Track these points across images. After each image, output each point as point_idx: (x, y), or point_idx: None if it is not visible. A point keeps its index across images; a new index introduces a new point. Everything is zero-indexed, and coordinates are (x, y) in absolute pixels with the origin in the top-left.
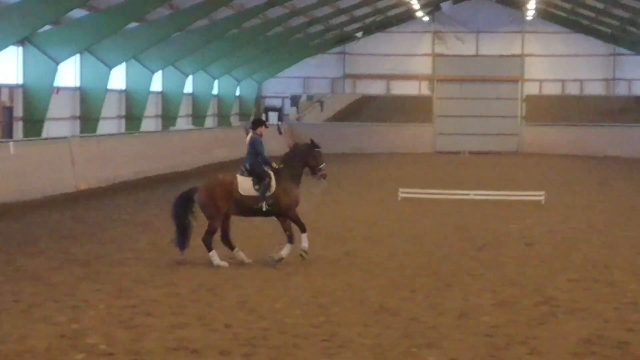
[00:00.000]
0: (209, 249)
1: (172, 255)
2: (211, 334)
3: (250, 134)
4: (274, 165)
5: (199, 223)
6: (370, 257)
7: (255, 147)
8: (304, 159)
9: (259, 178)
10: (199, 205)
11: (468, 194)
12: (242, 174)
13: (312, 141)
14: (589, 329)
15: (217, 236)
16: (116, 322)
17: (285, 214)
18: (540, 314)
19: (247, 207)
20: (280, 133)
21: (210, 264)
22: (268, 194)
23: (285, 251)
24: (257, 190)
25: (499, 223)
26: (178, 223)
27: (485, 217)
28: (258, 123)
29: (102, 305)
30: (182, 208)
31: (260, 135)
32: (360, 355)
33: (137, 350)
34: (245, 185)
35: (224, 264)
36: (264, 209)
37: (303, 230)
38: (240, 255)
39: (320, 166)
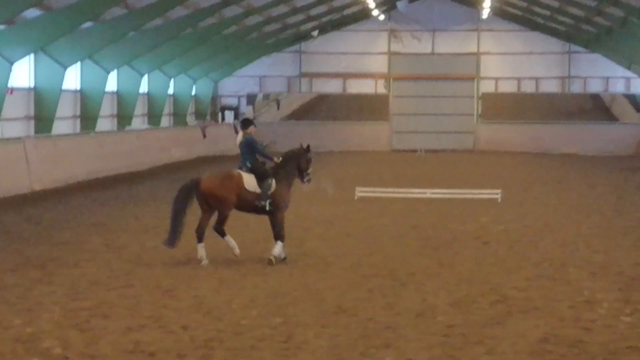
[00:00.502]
0: (222, 235)
1: (127, 256)
2: (167, 336)
3: (241, 134)
4: (276, 159)
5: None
6: (326, 257)
7: (252, 147)
8: (298, 162)
9: (260, 177)
10: (207, 195)
11: (425, 193)
12: (243, 171)
13: (308, 146)
14: (545, 327)
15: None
16: (71, 324)
17: (275, 214)
18: (496, 313)
19: (248, 203)
20: (236, 132)
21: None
22: (269, 192)
23: (278, 249)
24: (260, 188)
25: (455, 221)
26: (177, 216)
27: (442, 216)
28: (248, 123)
29: (57, 308)
30: (184, 201)
31: (251, 135)
32: (318, 356)
33: (93, 354)
34: (250, 181)
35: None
36: (267, 208)
37: (282, 238)
38: (232, 242)
39: (308, 170)
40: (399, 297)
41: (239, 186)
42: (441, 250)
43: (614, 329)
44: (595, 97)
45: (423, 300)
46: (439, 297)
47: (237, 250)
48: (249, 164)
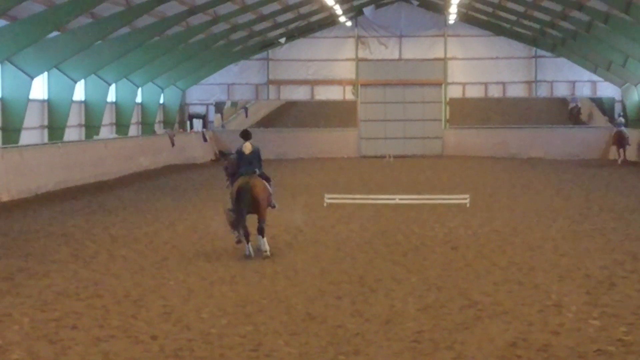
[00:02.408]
0: (263, 236)
1: (95, 266)
2: (136, 346)
3: (249, 144)
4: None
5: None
6: (295, 264)
7: (260, 155)
8: None
9: (269, 182)
10: (258, 199)
11: (393, 199)
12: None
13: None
14: (514, 332)
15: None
16: (40, 336)
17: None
18: (465, 318)
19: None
20: (205, 140)
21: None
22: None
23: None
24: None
25: (424, 227)
26: (244, 217)
27: (410, 221)
28: (249, 133)
29: (26, 319)
30: (245, 203)
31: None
32: None
33: None
34: (268, 186)
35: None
36: (275, 207)
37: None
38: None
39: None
40: (368, 304)
41: (269, 191)
42: (410, 255)
43: (582, 332)
44: (562, 101)
45: (392, 307)
46: (407, 302)
47: (267, 248)
48: (258, 171)
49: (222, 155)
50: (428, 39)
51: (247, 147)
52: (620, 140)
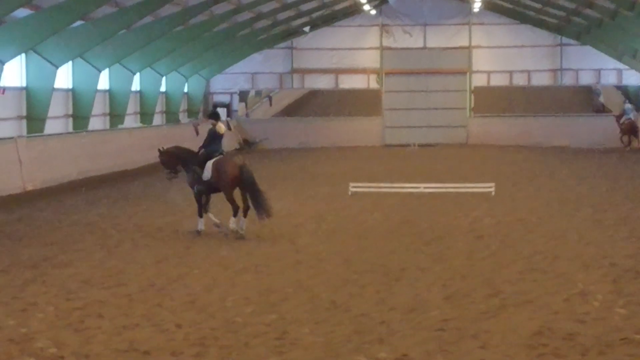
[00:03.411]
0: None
1: (120, 255)
2: (161, 334)
3: (221, 124)
4: None
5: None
6: (319, 253)
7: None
8: None
9: None
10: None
11: (418, 187)
12: None
13: None
14: (539, 320)
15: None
16: (65, 324)
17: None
18: (490, 307)
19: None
20: (229, 129)
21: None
22: None
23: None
24: None
25: (448, 216)
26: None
27: (435, 210)
28: (219, 115)
29: (51, 308)
30: None
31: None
32: (312, 352)
33: (87, 353)
34: None
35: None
36: None
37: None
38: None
39: None
40: (392, 293)
41: None
42: (434, 244)
43: (608, 321)
44: (588, 90)
45: (416, 295)
46: (432, 291)
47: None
48: (222, 152)
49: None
50: (452, 27)
51: (221, 128)
52: (634, 129)
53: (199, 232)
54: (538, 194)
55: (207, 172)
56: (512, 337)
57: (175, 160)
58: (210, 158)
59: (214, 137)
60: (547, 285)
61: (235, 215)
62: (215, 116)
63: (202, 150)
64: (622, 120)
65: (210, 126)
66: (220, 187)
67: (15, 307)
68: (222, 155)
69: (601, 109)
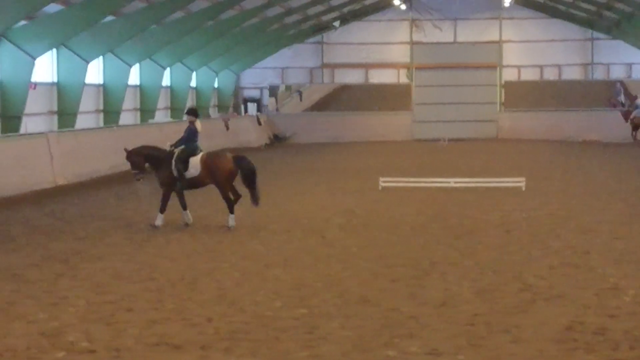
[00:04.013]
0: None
1: (150, 249)
2: (191, 328)
3: (199, 122)
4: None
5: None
6: (349, 247)
7: None
8: None
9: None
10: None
11: (448, 182)
12: None
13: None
14: (570, 315)
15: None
16: (96, 318)
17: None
18: (520, 302)
19: None
20: (259, 124)
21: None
22: None
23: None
24: None
25: (478, 210)
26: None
27: (465, 205)
28: (197, 111)
29: (82, 302)
30: None
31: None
32: (342, 347)
33: (118, 347)
34: None
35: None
36: None
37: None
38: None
39: None
40: (423, 287)
41: None
42: (464, 239)
43: (639, 315)
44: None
45: (446, 290)
46: (462, 286)
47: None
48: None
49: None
50: (483, 21)
51: (199, 125)
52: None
53: (155, 227)
54: (569, 189)
55: (194, 169)
56: (542, 332)
57: (144, 160)
58: (193, 155)
59: (193, 134)
60: (578, 279)
61: (232, 211)
62: (193, 113)
63: (182, 147)
64: (632, 116)
65: (188, 123)
66: (216, 184)
67: (46, 300)
68: (207, 152)
69: (619, 106)
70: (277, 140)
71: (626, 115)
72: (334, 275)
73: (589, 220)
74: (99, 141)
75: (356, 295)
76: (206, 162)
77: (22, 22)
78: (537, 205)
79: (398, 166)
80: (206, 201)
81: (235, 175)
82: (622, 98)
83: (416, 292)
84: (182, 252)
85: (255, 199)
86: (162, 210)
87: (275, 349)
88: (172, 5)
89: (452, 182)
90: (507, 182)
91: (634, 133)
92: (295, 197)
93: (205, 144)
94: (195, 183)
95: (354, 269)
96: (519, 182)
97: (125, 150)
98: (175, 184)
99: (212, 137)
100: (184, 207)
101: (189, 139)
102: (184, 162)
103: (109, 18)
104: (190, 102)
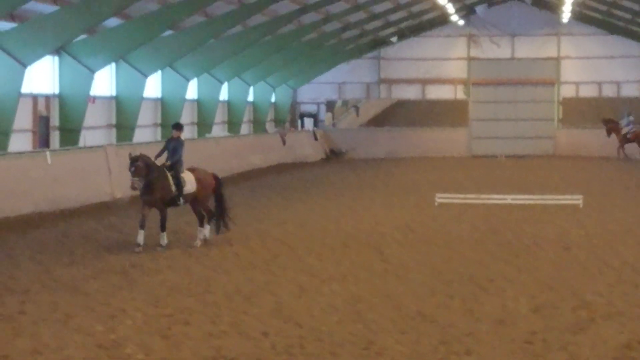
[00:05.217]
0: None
1: (207, 262)
2: (248, 342)
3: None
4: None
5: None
6: (405, 262)
7: None
8: None
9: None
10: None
11: (505, 199)
12: None
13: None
14: (628, 333)
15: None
16: (153, 331)
17: None
18: (578, 319)
19: None
20: (315, 139)
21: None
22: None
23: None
24: None
25: (535, 227)
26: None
27: (522, 221)
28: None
29: (139, 315)
30: None
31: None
32: None
33: None
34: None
35: None
36: None
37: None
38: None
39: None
40: (479, 303)
41: None
42: (521, 255)
43: None
44: None
45: (504, 306)
46: (519, 302)
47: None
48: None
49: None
50: (541, 37)
51: (183, 138)
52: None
53: (163, 247)
54: (627, 206)
55: (191, 185)
56: (600, 350)
57: (147, 169)
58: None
59: (181, 148)
60: (637, 297)
61: (209, 222)
62: (179, 127)
63: (177, 161)
64: (625, 132)
65: (173, 137)
66: (202, 198)
67: (104, 313)
68: (194, 168)
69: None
70: (333, 155)
71: (614, 130)
72: (390, 290)
73: None
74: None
75: (412, 310)
76: (199, 178)
77: (82, 36)
78: (595, 222)
79: (454, 182)
80: (264, 215)
81: (213, 192)
82: (624, 122)
83: (473, 308)
84: (238, 266)
85: (225, 224)
86: (163, 229)
87: None
88: (230, 20)
89: (509, 198)
90: (565, 199)
91: (621, 150)
92: (351, 212)
93: (262, 158)
94: (191, 199)
95: (410, 284)
96: (577, 199)
97: (131, 155)
98: (174, 201)
99: (269, 151)
100: (142, 226)
101: (178, 153)
102: (177, 177)
103: (168, 32)
104: (247, 117)
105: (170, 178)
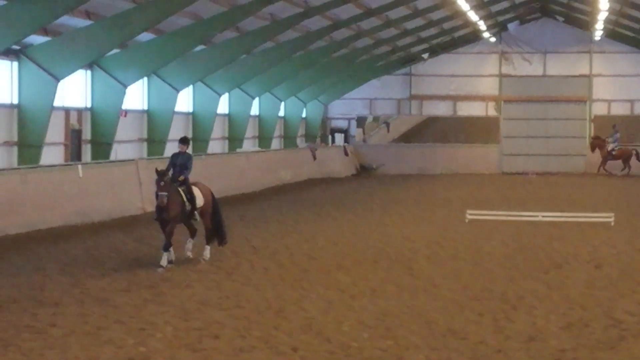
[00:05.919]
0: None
1: (237, 277)
2: (277, 357)
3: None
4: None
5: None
6: (435, 278)
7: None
8: None
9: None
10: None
11: (536, 216)
12: None
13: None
14: None
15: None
16: (182, 345)
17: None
18: (609, 338)
19: None
20: (346, 154)
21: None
22: None
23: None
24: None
25: (566, 245)
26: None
27: (553, 239)
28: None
29: (169, 328)
30: None
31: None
32: None
33: None
34: None
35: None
36: None
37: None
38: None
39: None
40: (510, 320)
41: None
42: (552, 273)
43: None
44: None
45: (534, 324)
46: (550, 320)
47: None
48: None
49: (363, 169)
50: (573, 55)
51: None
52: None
53: (164, 268)
54: None
55: (199, 200)
56: None
57: (170, 184)
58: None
59: (189, 162)
60: None
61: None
62: (185, 141)
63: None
64: (611, 148)
65: (180, 151)
66: (206, 213)
67: (134, 326)
68: (197, 182)
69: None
70: (364, 171)
71: (598, 146)
72: (420, 306)
73: None
74: None
75: (442, 327)
76: (203, 192)
77: (115, 51)
78: (627, 240)
79: (485, 199)
80: (294, 230)
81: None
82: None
83: (503, 325)
84: (268, 281)
85: (221, 240)
86: (167, 248)
87: None
88: (262, 36)
89: (540, 216)
90: (596, 216)
91: (603, 166)
92: (381, 228)
93: (292, 173)
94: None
95: (440, 301)
96: (608, 217)
97: (159, 169)
98: (191, 216)
99: (299, 166)
100: (170, 246)
101: (190, 167)
102: (189, 192)
103: (200, 47)
104: (278, 132)
105: (182, 194)
